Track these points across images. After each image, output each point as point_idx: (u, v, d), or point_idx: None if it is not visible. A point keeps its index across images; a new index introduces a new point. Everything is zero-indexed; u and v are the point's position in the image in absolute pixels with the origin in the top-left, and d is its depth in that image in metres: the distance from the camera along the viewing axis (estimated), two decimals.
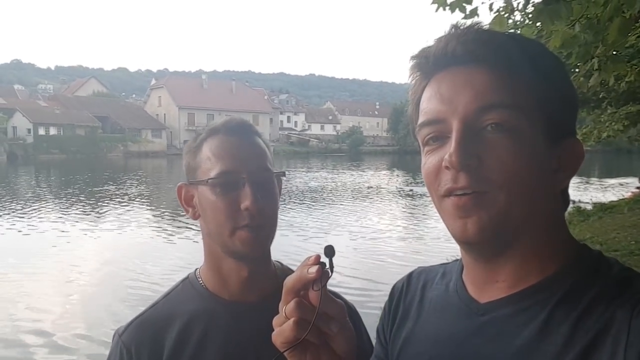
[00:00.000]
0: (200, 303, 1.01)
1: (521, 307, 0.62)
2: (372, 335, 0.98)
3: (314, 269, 0.64)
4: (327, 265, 0.65)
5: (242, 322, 0.99)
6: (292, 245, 10.38)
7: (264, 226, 0.97)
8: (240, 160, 0.96)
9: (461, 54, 0.61)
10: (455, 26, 0.64)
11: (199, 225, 1.04)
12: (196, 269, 1.08)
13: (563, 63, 0.65)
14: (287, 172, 1.08)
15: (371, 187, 24.75)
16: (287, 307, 0.66)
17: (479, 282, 0.68)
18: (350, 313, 1.04)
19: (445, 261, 0.85)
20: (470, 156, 0.59)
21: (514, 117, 0.59)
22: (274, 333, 0.68)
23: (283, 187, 1.07)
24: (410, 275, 0.85)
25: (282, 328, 0.66)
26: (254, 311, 0.99)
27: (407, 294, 0.81)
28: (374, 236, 12.22)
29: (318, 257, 0.65)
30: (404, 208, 18.11)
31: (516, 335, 0.60)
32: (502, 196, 0.59)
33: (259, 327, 0.96)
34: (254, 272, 1.00)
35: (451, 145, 0.59)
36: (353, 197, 21.13)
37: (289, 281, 0.67)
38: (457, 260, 0.72)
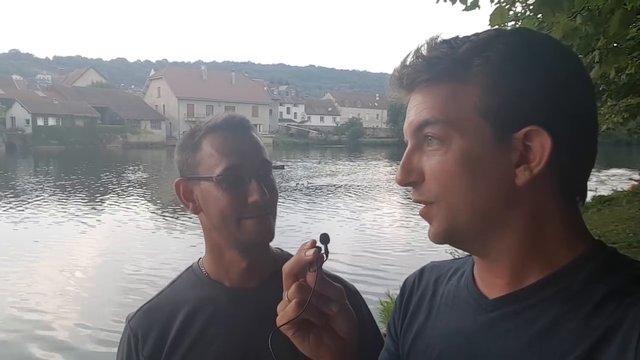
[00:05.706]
0: (202, 290, 1.06)
1: (529, 303, 0.61)
2: None
3: (310, 252, 0.70)
4: (323, 250, 0.70)
5: (242, 307, 1.03)
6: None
7: (270, 214, 1.02)
8: (245, 156, 0.99)
9: (406, 84, 0.67)
10: (427, 41, 0.65)
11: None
12: (199, 259, 1.12)
13: (514, 49, 0.60)
14: (287, 164, 1.10)
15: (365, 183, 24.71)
16: (289, 291, 0.71)
17: (485, 277, 0.68)
18: (349, 294, 1.06)
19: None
20: (411, 173, 0.66)
21: (443, 131, 0.62)
22: (278, 317, 0.72)
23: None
24: (422, 270, 0.86)
25: (285, 310, 0.71)
26: (253, 296, 1.04)
27: (419, 288, 0.82)
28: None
29: (314, 241, 0.71)
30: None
31: (525, 332, 0.60)
32: (444, 205, 0.63)
33: (258, 311, 1.02)
34: (253, 262, 1.05)
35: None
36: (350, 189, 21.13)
37: (287, 266, 0.72)
38: (470, 255, 0.73)
